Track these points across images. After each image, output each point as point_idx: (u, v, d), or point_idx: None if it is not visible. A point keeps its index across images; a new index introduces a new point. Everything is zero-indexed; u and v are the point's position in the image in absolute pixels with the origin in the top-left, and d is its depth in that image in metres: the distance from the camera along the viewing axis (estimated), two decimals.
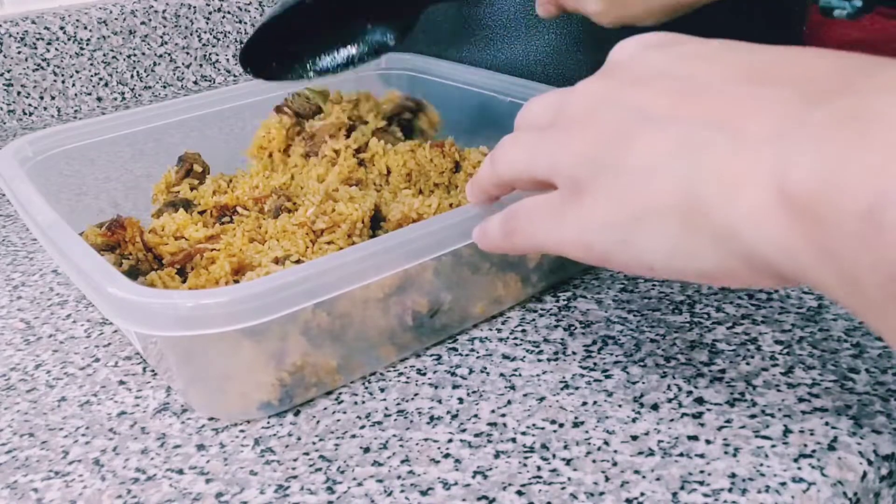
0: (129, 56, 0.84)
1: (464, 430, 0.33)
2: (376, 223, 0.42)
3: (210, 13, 0.88)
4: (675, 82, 0.26)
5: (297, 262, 0.38)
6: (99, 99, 0.84)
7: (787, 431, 0.32)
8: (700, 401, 0.34)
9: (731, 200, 0.23)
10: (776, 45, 0.25)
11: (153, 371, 0.38)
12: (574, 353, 0.38)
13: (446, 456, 0.32)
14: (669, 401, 0.34)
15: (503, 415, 0.34)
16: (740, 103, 0.23)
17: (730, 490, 0.29)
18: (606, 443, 0.32)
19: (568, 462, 0.31)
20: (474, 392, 0.36)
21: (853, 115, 0.20)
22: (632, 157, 0.25)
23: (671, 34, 0.28)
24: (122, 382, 0.38)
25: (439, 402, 0.35)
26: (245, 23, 0.91)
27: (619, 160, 0.26)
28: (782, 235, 0.22)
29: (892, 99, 0.20)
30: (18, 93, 0.79)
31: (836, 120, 0.20)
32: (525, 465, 0.31)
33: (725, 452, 0.31)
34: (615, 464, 0.31)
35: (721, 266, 0.24)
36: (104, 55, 0.83)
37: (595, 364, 0.37)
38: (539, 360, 0.37)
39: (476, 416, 0.34)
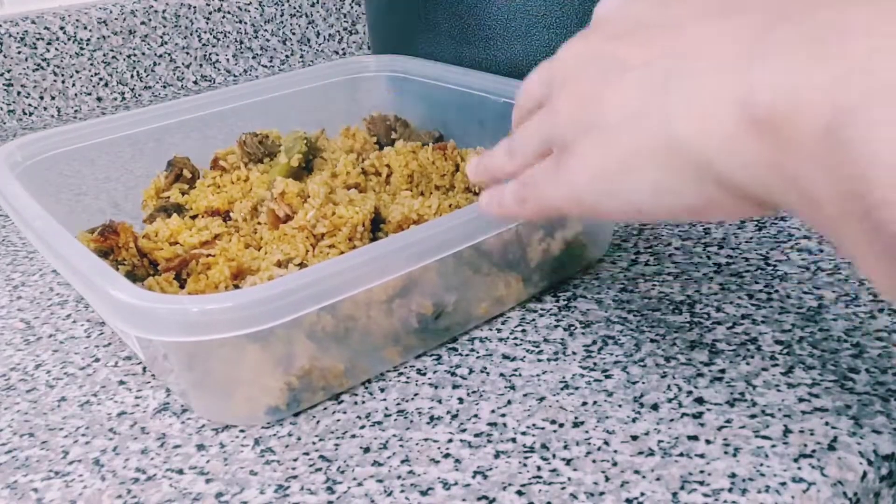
0: (129, 56, 0.84)
1: (464, 430, 0.33)
2: (376, 225, 0.42)
3: (210, 13, 0.88)
4: (651, 30, 0.26)
5: (300, 265, 0.38)
6: (99, 99, 0.84)
7: (787, 431, 0.32)
8: (700, 401, 0.34)
9: (703, 131, 0.23)
10: None
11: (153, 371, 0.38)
12: (574, 353, 0.38)
13: (446, 456, 0.32)
14: (669, 401, 0.34)
15: (503, 415, 0.34)
16: (707, 36, 0.24)
17: (730, 490, 0.29)
18: (606, 443, 0.32)
19: (568, 462, 0.31)
20: (474, 392, 0.36)
21: (815, 30, 0.20)
22: (608, 110, 0.26)
23: None
24: (122, 382, 0.38)
25: (439, 402, 0.35)
26: (245, 23, 0.91)
27: (598, 115, 0.27)
28: (749, 159, 0.22)
29: (857, 13, 0.20)
30: (18, 93, 0.79)
31: (799, 36, 0.21)
32: (525, 465, 0.31)
33: (725, 452, 0.31)
34: (615, 464, 0.31)
35: (705, 198, 0.25)
36: (104, 55, 0.83)
37: (595, 364, 0.37)
38: (539, 360, 0.37)
39: (476, 416, 0.34)
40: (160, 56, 0.86)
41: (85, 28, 0.81)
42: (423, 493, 0.30)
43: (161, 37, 0.86)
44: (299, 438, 0.33)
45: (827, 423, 0.32)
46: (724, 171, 0.23)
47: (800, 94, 0.20)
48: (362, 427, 0.34)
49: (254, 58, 0.92)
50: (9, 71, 0.78)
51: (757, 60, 0.22)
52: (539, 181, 0.31)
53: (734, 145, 0.22)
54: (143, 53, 0.85)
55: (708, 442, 0.32)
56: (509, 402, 0.35)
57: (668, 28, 0.25)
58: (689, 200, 0.25)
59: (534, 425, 0.33)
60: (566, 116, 0.28)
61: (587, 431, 0.33)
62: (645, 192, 0.26)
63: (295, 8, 0.94)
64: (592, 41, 0.28)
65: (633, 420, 0.33)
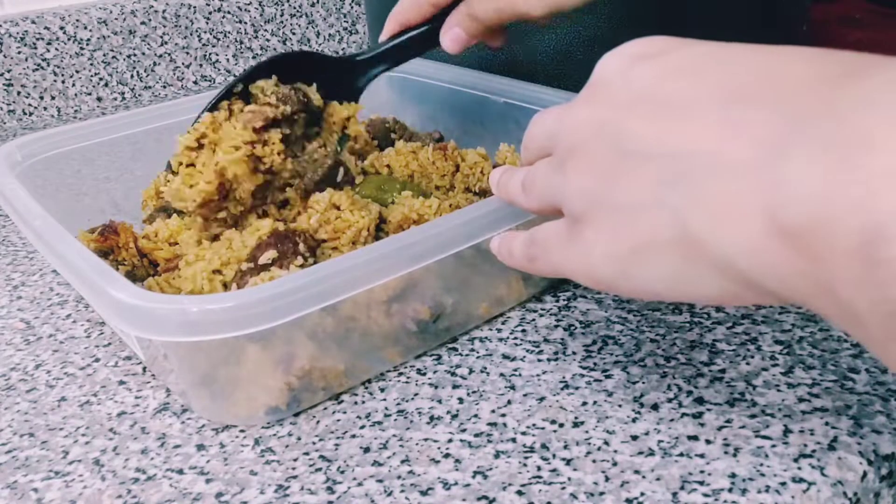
0: (129, 56, 0.84)
1: (464, 430, 0.33)
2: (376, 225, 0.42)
3: (210, 13, 0.88)
4: (658, 107, 0.25)
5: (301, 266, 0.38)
6: (99, 99, 0.84)
7: (787, 431, 0.32)
8: (700, 401, 0.34)
9: (724, 231, 0.22)
10: (765, 48, 0.24)
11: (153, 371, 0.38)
12: (574, 353, 0.38)
13: (446, 456, 0.32)
14: (669, 401, 0.34)
15: (503, 415, 0.34)
16: (721, 128, 0.23)
17: (730, 490, 0.29)
18: (606, 443, 0.32)
19: (568, 462, 0.31)
20: (474, 392, 0.36)
21: (835, 139, 0.19)
22: (620, 194, 0.25)
23: (655, 40, 0.27)
24: (122, 382, 0.38)
25: (439, 402, 0.35)
26: (245, 23, 0.91)
27: (609, 196, 0.26)
28: (779, 267, 0.21)
29: (873, 116, 0.19)
30: (18, 93, 0.79)
31: (820, 145, 0.20)
32: (525, 465, 0.31)
33: (725, 452, 0.31)
34: (615, 464, 0.31)
35: (725, 291, 0.24)
36: (104, 55, 0.83)
37: (595, 364, 0.37)
38: (539, 360, 0.37)
39: (476, 416, 0.34)
40: (160, 56, 0.86)
41: (85, 28, 0.81)
42: (423, 493, 0.30)
43: (161, 37, 0.86)
44: (299, 438, 0.33)
45: (827, 423, 0.32)
46: (748, 272, 0.22)
47: (832, 207, 0.19)
48: (362, 427, 0.34)
49: (254, 58, 0.92)
50: (9, 71, 0.78)
51: (781, 167, 0.21)
52: (550, 246, 0.30)
53: (761, 253, 0.21)
54: (143, 53, 0.85)
55: (708, 442, 0.32)
56: (509, 402, 0.35)
57: (676, 109, 0.24)
58: (709, 291, 0.24)
59: (534, 425, 0.33)
60: (576, 186, 0.27)
61: (587, 431, 0.33)
62: (661, 281, 0.25)
63: (295, 8, 0.94)
64: (598, 109, 0.27)
65: (633, 420, 0.33)
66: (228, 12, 0.89)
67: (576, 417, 0.34)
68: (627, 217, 0.25)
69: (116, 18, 0.82)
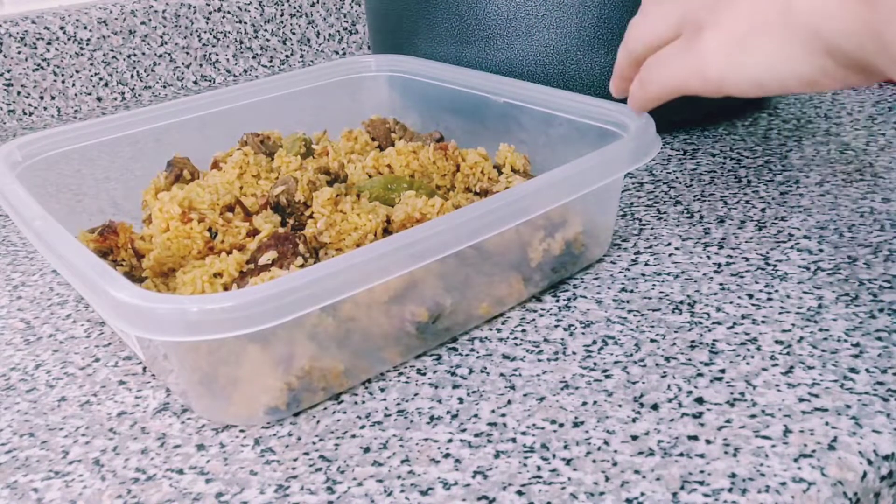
0: (129, 56, 0.84)
1: (464, 430, 0.33)
2: None
3: (210, 13, 0.88)
4: None
5: (301, 266, 0.38)
6: (99, 99, 0.84)
7: (787, 431, 0.32)
8: (700, 401, 0.34)
9: (814, 4, 0.28)
10: None
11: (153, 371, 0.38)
12: (574, 353, 0.38)
13: (446, 456, 0.32)
14: (669, 401, 0.34)
15: (503, 415, 0.34)
16: None
17: (730, 490, 0.29)
18: (606, 443, 0.32)
19: (568, 462, 0.31)
20: (474, 392, 0.36)
21: None
22: None
23: None
24: (122, 382, 0.38)
25: (439, 402, 0.35)
26: (245, 23, 0.91)
27: None
28: (850, 25, 0.27)
29: None
30: (18, 93, 0.79)
31: None
32: (525, 465, 0.31)
33: (725, 452, 0.31)
34: (615, 464, 0.31)
35: (814, 66, 0.29)
36: (104, 55, 0.83)
37: (595, 364, 0.37)
38: (539, 360, 0.37)
39: (476, 416, 0.34)
40: (160, 56, 0.86)
41: (85, 28, 0.81)
42: (423, 493, 0.30)
43: (161, 37, 0.86)
44: (299, 438, 0.33)
45: (827, 423, 0.32)
46: (830, 38, 0.28)
47: None
48: (362, 427, 0.34)
49: (254, 58, 0.92)
50: (9, 71, 0.78)
51: None
52: (665, 60, 0.34)
53: (838, 13, 0.27)
54: (143, 53, 0.85)
55: (708, 442, 0.32)
56: (509, 402, 0.35)
57: None
58: (801, 69, 0.29)
59: (534, 425, 0.33)
60: (700, 1, 0.32)
61: (587, 431, 0.33)
62: (763, 64, 0.30)
63: (295, 8, 0.94)
64: None
65: (633, 420, 0.33)
66: (228, 12, 0.89)
67: (576, 417, 0.34)
68: (743, 8, 0.31)
69: (116, 18, 0.82)
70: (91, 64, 0.82)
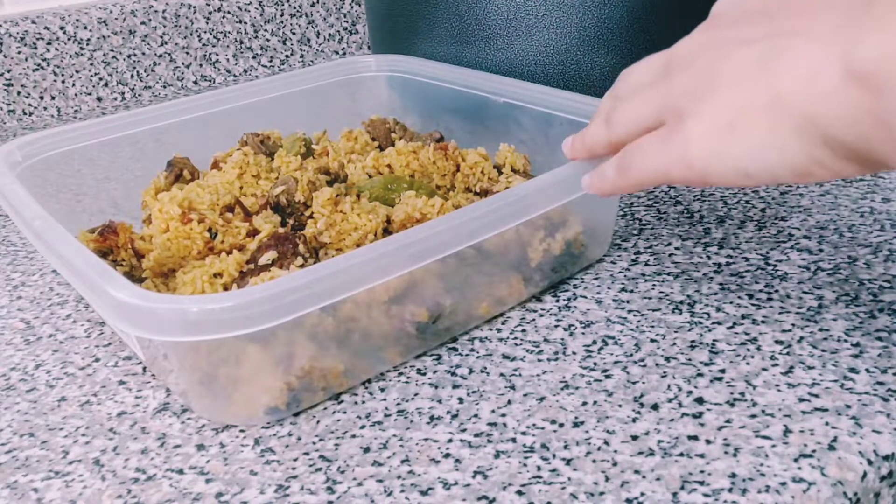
0: (129, 56, 0.84)
1: (464, 430, 0.33)
2: None
3: (210, 13, 0.88)
4: (768, 14, 0.29)
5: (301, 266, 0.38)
6: (99, 99, 0.84)
7: (787, 431, 0.32)
8: (700, 401, 0.34)
9: (808, 90, 0.26)
10: None
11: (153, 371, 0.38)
12: (574, 353, 0.38)
13: (446, 456, 0.32)
14: (669, 401, 0.34)
15: (503, 415, 0.34)
16: (815, 9, 0.27)
17: (730, 490, 0.29)
18: (606, 443, 0.32)
19: (568, 462, 0.31)
20: (474, 392, 0.36)
21: None
22: (724, 76, 0.29)
23: None
24: (122, 382, 0.38)
25: (439, 402, 0.35)
26: (245, 23, 0.91)
27: (713, 82, 0.29)
28: (850, 111, 0.25)
29: None
30: (18, 93, 0.79)
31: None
32: (525, 465, 0.31)
33: (725, 452, 0.31)
34: (615, 464, 0.31)
35: (807, 155, 0.27)
36: (104, 55, 0.83)
37: (595, 364, 0.37)
38: (539, 360, 0.37)
39: (476, 416, 0.34)
40: (160, 56, 0.86)
41: (85, 28, 0.81)
42: (423, 493, 0.30)
43: (161, 37, 0.86)
44: (299, 438, 0.33)
45: (827, 423, 0.32)
46: (825, 125, 0.26)
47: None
48: (362, 427, 0.34)
49: (254, 58, 0.92)
50: (9, 71, 0.78)
51: (859, 25, 0.25)
52: (647, 148, 0.32)
53: (836, 99, 0.25)
54: (143, 53, 0.85)
55: (708, 442, 0.32)
56: (509, 401, 0.35)
57: (783, 10, 0.28)
58: (793, 158, 0.27)
59: (534, 425, 0.33)
60: (681, 89, 0.31)
61: (587, 431, 0.33)
62: (751, 152, 0.28)
63: (295, 8, 0.94)
64: (712, 32, 0.31)
65: (633, 420, 0.33)
66: (228, 12, 0.89)
67: (576, 417, 0.34)
68: (727, 95, 0.29)
69: (116, 18, 0.82)
70: (91, 64, 0.82)
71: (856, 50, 0.24)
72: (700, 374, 0.36)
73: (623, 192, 0.36)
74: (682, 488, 0.29)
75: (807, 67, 0.26)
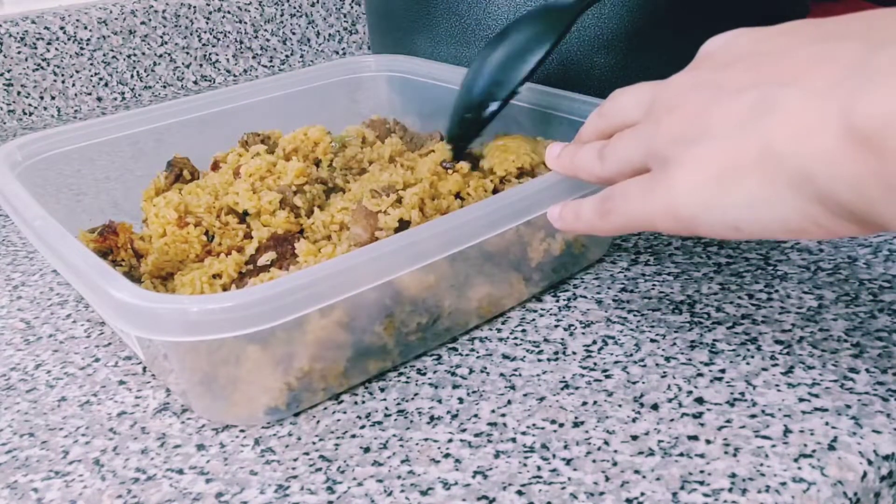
0: (129, 56, 0.84)
1: (464, 430, 0.33)
2: None
3: (210, 13, 0.88)
4: (757, 58, 0.27)
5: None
6: (99, 99, 0.84)
7: (787, 431, 0.32)
8: (700, 401, 0.34)
9: (804, 145, 0.24)
10: (856, 14, 0.27)
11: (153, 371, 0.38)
12: (574, 353, 0.38)
13: (446, 456, 0.32)
14: (669, 401, 0.34)
15: (503, 415, 0.34)
16: (810, 60, 0.25)
17: (730, 490, 0.29)
18: (606, 443, 0.32)
19: (568, 462, 0.31)
20: (474, 392, 0.36)
21: None
22: (712, 125, 0.27)
23: (756, 28, 0.30)
24: (122, 382, 0.38)
25: (439, 402, 0.35)
26: (245, 23, 0.91)
27: (701, 131, 0.28)
28: (851, 171, 0.23)
29: None
30: (18, 93, 0.79)
31: None
32: (525, 465, 0.31)
33: (725, 452, 0.31)
34: (615, 464, 0.31)
35: (801, 213, 0.25)
36: (104, 55, 0.83)
37: (595, 364, 0.37)
38: (539, 360, 0.37)
39: (476, 416, 0.34)
40: (160, 56, 0.86)
41: (85, 28, 0.81)
42: (423, 493, 0.30)
43: (161, 37, 0.86)
44: (299, 438, 0.33)
45: (827, 423, 0.32)
46: (823, 184, 0.24)
47: None
48: (362, 427, 0.34)
49: (254, 58, 0.92)
50: (9, 71, 0.78)
51: (860, 80, 0.23)
52: (631, 194, 0.31)
53: (834, 157, 0.23)
54: (143, 53, 0.85)
55: (708, 442, 0.32)
56: (509, 401, 0.35)
57: (773, 55, 0.27)
58: (786, 215, 0.26)
59: (534, 425, 0.33)
60: (668, 134, 0.29)
61: (587, 431, 0.33)
62: (741, 206, 0.26)
63: (295, 8, 0.94)
64: (700, 73, 0.30)
65: (633, 420, 0.33)
66: (228, 12, 0.89)
67: (576, 417, 0.34)
68: (716, 146, 0.27)
69: (116, 18, 0.82)
70: (91, 64, 0.82)
71: (856, 107, 0.23)
72: (700, 374, 0.36)
73: (600, 234, 0.34)
74: (682, 488, 0.29)
75: (801, 122, 0.24)
